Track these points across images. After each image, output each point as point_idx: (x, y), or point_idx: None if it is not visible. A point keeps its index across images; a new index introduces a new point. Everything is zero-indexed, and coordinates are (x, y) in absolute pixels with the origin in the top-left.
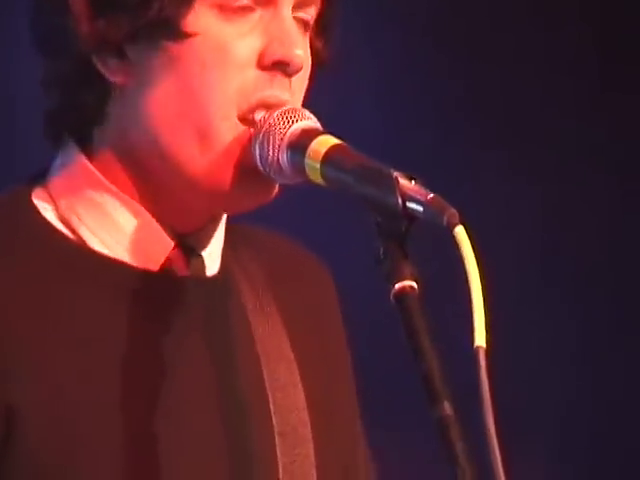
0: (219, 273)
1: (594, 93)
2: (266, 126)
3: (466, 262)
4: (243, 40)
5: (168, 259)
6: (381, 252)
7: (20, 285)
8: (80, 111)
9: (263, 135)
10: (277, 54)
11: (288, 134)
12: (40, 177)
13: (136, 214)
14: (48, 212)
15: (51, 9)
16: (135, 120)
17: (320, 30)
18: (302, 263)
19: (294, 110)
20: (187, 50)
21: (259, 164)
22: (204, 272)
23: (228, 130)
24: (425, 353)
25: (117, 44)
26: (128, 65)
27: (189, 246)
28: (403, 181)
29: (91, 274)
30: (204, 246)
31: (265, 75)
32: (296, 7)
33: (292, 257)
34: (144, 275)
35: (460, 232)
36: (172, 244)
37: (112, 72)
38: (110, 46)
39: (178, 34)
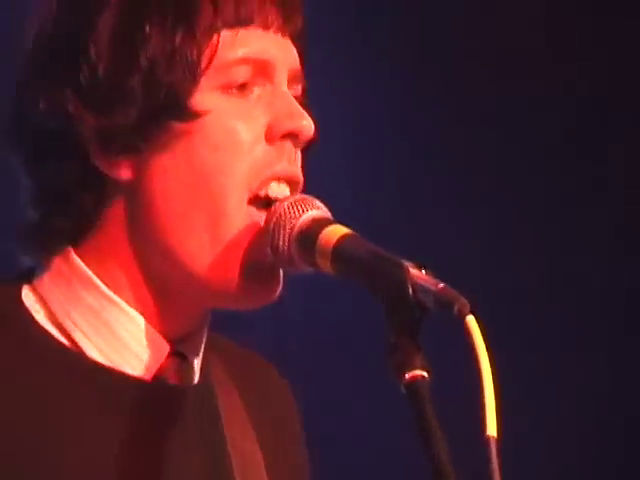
0: (200, 380)
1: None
2: (277, 216)
3: (477, 351)
4: (250, 118)
5: (161, 367)
6: (392, 342)
7: (15, 393)
8: (73, 220)
9: (274, 225)
10: (287, 127)
11: (299, 224)
12: (26, 275)
13: (133, 320)
14: (40, 315)
15: (47, 120)
16: (139, 216)
17: (304, 106)
18: (266, 375)
19: (304, 199)
20: (195, 132)
21: (270, 254)
22: (193, 379)
23: (240, 218)
24: (435, 441)
25: (124, 136)
26: (132, 158)
27: (181, 353)
28: (414, 271)
29: (86, 382)
30: (195, 353)
31: (273, 149)
32: (288, 84)
33: (256, 368)
34: (139, 385)
35: (471, 321)
36: (167, 351)
37: (116, 168)
38: (117, 139)
39: (187, 114)
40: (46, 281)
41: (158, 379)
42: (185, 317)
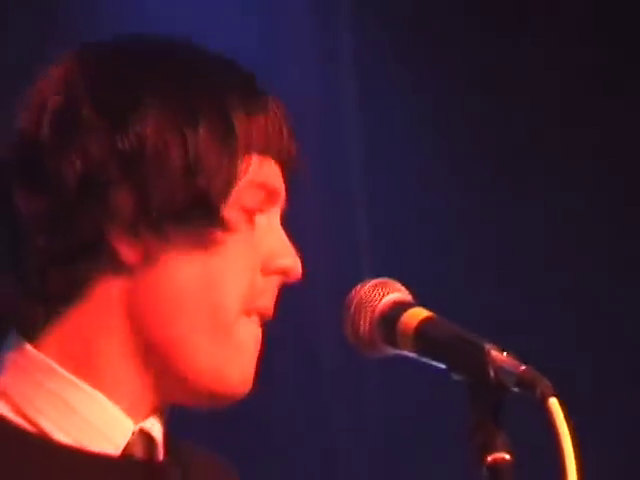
0: (165, 458)
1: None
2: (357, 299)
3: (559, 435)
4: (254, 246)
5: (129, 443)
6: (473, 424)
7: None
8: (58, 288)
9: (355, 308)
10: (281, 264)
11: (380, 306)
12: None
13: (96, 401)
14: (5, 409)
15: (80, 181)
16: (137, 302)
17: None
18: (212, 465)
19: (385, 282)
20: (219, 243)
21: (350, 337)
22: (159, 456)
23: (239, 325)
24: None
25: (157, 220)
26: (149, 245)
27: (146, 431)
28: (495, 353)
29: (53, 465)
30: (158, 430)
31: (265, 281)
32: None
33: (201, 458)
34: (108, 462)
35: (553, 404)
36: (131, 429)
37: (127, 246)
38: (147, 222)
39: (219, 221)
40: (6, 376)
41: (126, 455)
42: (159, 404)
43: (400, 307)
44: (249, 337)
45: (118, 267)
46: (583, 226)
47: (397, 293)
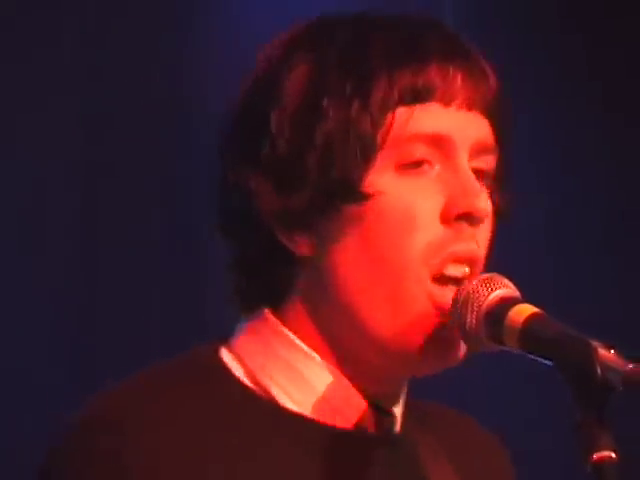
0: (401, 431)
1: None
2: (465, 294)
3: None
4: (424, 198)
5: (360, 418)
6: (579, 422)
7: (214, 437)
8: (268, 287)
9: (462, 302)
10: (461, 207)
11: (487, 301)
12: (222, 339)
13: (329, 374)
14: (238, 372)
15: (234, 194)
16: (323, 290)
17: (497, 180)
18: (483, 444)
19: (493, 278)
20: (369, 212)
21: (457, 330)
22: (393, 430)
23: (422, 294)
24: None
25: (300, 215)
26: (311, 235)
27: (379, 405)
28: (602, 351)
29: (284, 431)
30: (394, 405)
31: (450, 230)
32: (473, 157)
33: (473, 436)
34: (338, 434)
35: None
36: (364, 404)
37: (296, 245)
38: (293, 218)
39: (360, 196)
40: (242, 341)
41: (358, 429)
42: (380, 379)
43: (507, 303)
44: (432, 305)
45: (302, 262)
46: None
47: (504, 289)
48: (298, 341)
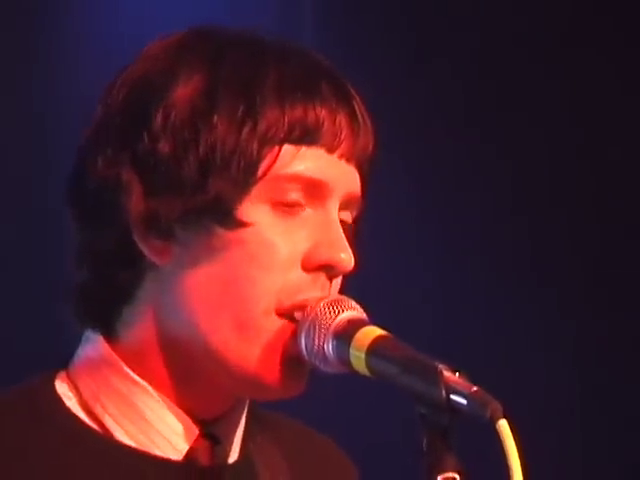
0: (239, 459)
1: None
2: (312, 315)
3: (509, 456)
4: (292, 241)
5: (192, 448)
6: (425, 443)
7: (43, 476)
8: (112, 289)
9: (309, 324)
10: (324, 259)
11: (334, 324)
12: (66, 362)
13: (162, 404)
14: (71, 401)
15: (101, 183)
16: (170, 302)
17: (355, 234)
18: (328, 457)
19: (340, 300)
20: (236, 239)
21: (304, 352)
22: (227, 460)
23: (268, 324)
24: None
25: (167, 224)
26: (171, 246)
27: (213, 434)
28: (447, 374)
29: (114, 465)
30: (228, 434)
31: (308, 277)
32: (342, 208)
33: (316, 449)
34: (168, 466)
35: (503, 426)
36: (196, 433)
37: (153, 251)
38: (159, 225)
39: (231, 222)
40: (78, 368)
41: (188, 460)
42: (215, 401)
43: (354, 325)
44: (278, 337)
45: (152, 269)
46: None
47: (351, 311)
48: (129, 370)
